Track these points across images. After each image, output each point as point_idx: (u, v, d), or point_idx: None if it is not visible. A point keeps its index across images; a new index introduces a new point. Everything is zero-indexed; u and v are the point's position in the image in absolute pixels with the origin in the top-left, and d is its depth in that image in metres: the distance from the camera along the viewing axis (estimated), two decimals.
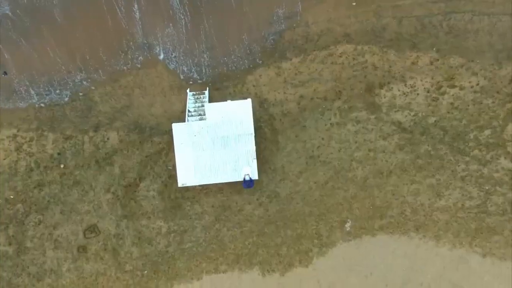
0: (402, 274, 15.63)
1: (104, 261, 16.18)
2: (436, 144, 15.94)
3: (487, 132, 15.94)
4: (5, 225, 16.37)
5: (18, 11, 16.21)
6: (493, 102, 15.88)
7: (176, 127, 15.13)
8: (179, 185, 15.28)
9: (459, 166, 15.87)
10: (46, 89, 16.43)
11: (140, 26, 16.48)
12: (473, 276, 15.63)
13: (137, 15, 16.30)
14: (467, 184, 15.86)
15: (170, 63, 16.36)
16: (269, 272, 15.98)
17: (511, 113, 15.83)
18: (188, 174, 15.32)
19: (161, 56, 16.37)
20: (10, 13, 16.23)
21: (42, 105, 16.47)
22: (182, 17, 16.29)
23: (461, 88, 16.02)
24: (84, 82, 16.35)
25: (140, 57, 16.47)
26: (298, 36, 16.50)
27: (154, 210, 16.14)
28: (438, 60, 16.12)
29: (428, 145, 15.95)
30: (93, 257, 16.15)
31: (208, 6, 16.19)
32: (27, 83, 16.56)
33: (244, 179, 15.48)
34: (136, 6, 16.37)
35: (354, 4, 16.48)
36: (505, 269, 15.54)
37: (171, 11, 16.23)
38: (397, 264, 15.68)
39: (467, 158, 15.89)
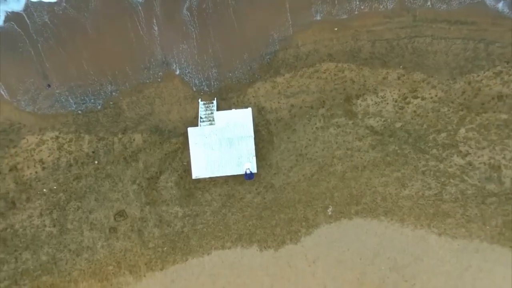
0: (373, 249, 19.10)
1: (131, 240, 19.67)
2: (402, 145, 19.43)
3: (443, 134, 19.43)
4: (50, 210, 19.81)
5: (55, 20, 19.49)
6: (448, 110, 19.35)
7: (191, 130, 18.65)
8: (193, 177, 18.79)
9: (420, 162, 19.38)
10: (82, 98, 19.82)
11: (159, 43, 19.87)
12: (431, 251, 19.15)
13: (156, 31, 19.67)
14: (427, 177, 19.38)
15: (185, 77, 19.75)
16: (265, 248, 19.49)
17: (463, 120, 19.32)
18: (201, 169, 18.84)
19: (177, 72, 19.75)
20: (49, 22, 19.53)
21: (79, 111, 19.85)
22: (192, 39, 19.72)
23: (423, 99, 19.48)
24: (114, 93, 19.72)
25: (160, 73, 19.88)
26: (289, 56, 19.94)
27: (172, 198, 19.67)
28: (404, 75, 19.57)
29: (395, 145, 19.43)
30: (122, 237, 19.65)
31: (216, 31, 19.58)
32: (67, 93, 19.94)
33: (246, 172, 19.00)
34: (155, 21, 19.75)
35: (336, 29, 19.94)
36: (456, 245, 19.04)
37: (184, 27, 19.51)
38: (369, 242, 19.16)
39: (427, 156, 19.38)
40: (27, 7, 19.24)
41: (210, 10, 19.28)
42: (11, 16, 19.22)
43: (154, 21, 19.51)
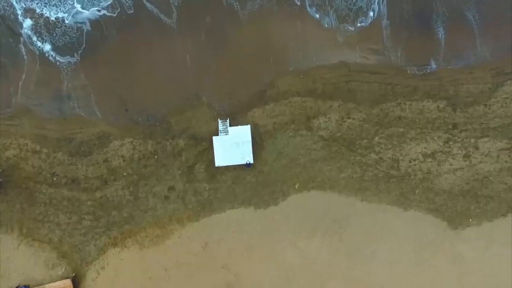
0: (322, 208, 31.08)
1: (177, 204, 31.87)
2: (340, 147, 31.48)
3: (365, 141, 31.48)
4: (128, 186, 31.84)
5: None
6: (368, 126, 30.96)
7: (214, 138, 30.34)
8: (216, 165, 30.76)
9: (351, 157, 30.86)
10: (148, 118, 32.13)
11: (190, 75, 31.94)
12: (356, 211, 31.65)
13: (189, 62, 31.67)
14: (355, 166, 30.68)
15: (210, 105, 32.01)
16: (258, 208, 31.63)
17: (377, 131, 31.38)
18: (220, 160, 30.62)
19: (206, 101, 32.05)
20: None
21: (146, 125, 32.19)
22: (212, 80, 32.12)
23: (353, 119, 31.42)
24: (166, 114, 32.04)
25: (195, 103, 32.19)
26: (273, 93, 31.25)
27: (202, 178, 31.07)
28: (342, 105, 31.25)
29: (336, 147, 31.43)
30: (172, 202, 31.87)
31: (224, 77, 31.77)
32: (138, 114, 32.24)
33: (246, 163, 31.04)
34: (188, 56, 31.75)
35: (301, 76, 32.22)
36: (371, 207, 31.44)
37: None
38: (319, 204, 31.25)
39: (355, 154, 31.46)
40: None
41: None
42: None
43: (188, 60, 31.73)
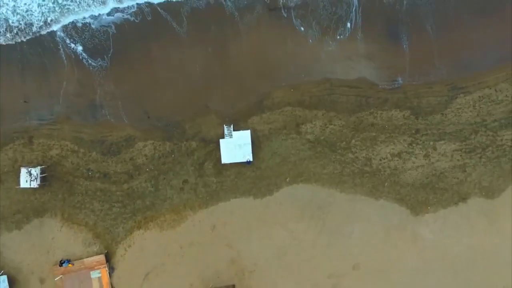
0: (308, 195, 38.47)
1: (190, 194, 38.12)
2: (323, 148, 37.63)
3: (344, 143, 37.71)
4: (150, 179, 38.42)
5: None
6: (346, 131, 37.59)
7: (221, 141, 36.89)
8: (222, 163, 36.69)
9: (332, 157, 37.49)
10: (166, 124, 39.04)
11: (201, 89, 39.01)
12: (336, 201, 38.72)
13: (200, 79, 38.80)
14: (335, 164, 37.67)
15: (217, 113, 38.94)
16: (257, 197, 38.71)
17: (354, 135, 37.72)
18: (225, 158, 36.26)
19: (213, 111, 38.96)
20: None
21: (164, 130, 39.03)
22: (218, 94, 39.11)
23: (334, 125, 37.81)
24: (182, 121, 38.94)
25: (204, 112, 39.12)
26: (269, 103, 37.70)
27: (211, 173, 36.65)
28: (325, 113, 37.15)
29: (320, 148, 38.12)
30: (186, 192, 38.82)
31: (231, 94, 38.74)
32: (158, 120, 39.14)
33: (246, 161, 37.56)
34: (199, 73, 38.72)
35: (292, 90, 39.07)
36: (349, 198, 38.49)
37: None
38: (306, 193, 38.55)
39: (335, 153, 38.41)
40: None
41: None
42: None
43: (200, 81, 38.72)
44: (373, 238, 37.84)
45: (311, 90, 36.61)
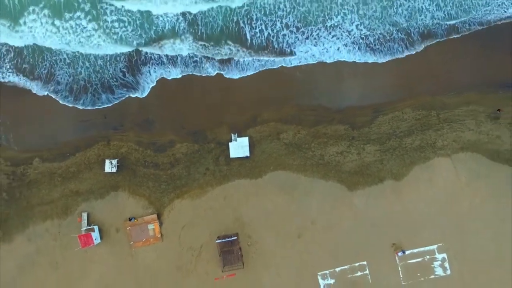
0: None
1: (210, 177, 60.83)
2: (294, 148, 60.76)
3: (306, 145, 60.92)
4: (184, 168, 61.37)
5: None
6: (310, 139, 60.43)
7: (230, 144, 59.16)
8: (231, 157, 57.87)
9: (303, 154, 60.57)
10: (194, 132, 61.17)
11: (218, 112, 61.31)
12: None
13: (217, 105, 61.11)
14: (302, 158, 61.26)
15: (228, 127, 61.23)
16: (251, 179, 60.94)
17: (314, 140, 60.88)
18: (233, 154, 59.38)
19: (225, 124, 61.22)
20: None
21: (193, 136, 61.20)
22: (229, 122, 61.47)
23: (301, 134, 60.78)
24: (207, 132, 61.17)
25: (219, 125, 61.28)
26: (260, 120, 61.21)
27: (223, 163, 59.91)
28: (295, 126, 61.05)
29: (294, 149, 60.75)
30: (207, 176, 61.06)
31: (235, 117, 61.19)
32: (189, 130, 61.32)
33: (246, 156, 60.80)
34: (217, 100, 61.25)
35: (275, 111, 61.29)
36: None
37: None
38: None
39: (304, 150, 60.80)
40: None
41: None
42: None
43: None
44: (324, 205, 60.83)
45: (288, 111, 59.30)
